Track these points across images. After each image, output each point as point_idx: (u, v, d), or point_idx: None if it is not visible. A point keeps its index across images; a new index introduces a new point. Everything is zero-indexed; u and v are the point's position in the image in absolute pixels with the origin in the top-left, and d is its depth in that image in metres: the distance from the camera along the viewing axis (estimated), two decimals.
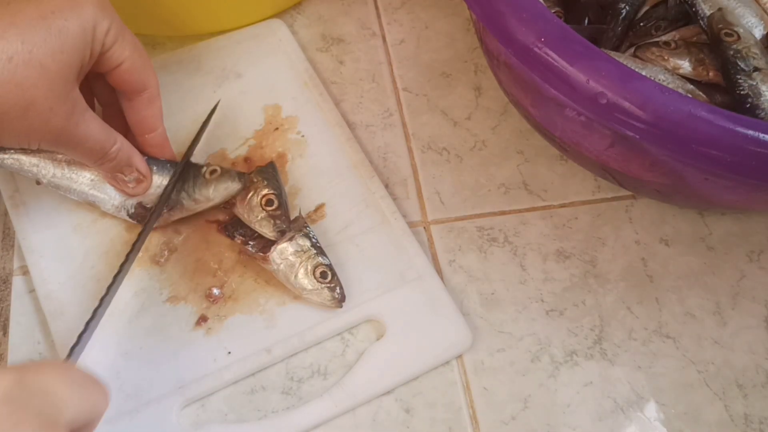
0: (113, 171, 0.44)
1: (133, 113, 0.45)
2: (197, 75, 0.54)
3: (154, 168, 0.46)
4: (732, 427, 0.43)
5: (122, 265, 0.43)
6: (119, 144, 0.43)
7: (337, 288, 0.44)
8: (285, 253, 0.44)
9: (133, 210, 0.46)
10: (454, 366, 0.44)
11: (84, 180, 0.45)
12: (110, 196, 0.46)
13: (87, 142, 0.41)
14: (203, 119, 0.51)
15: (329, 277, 0.44)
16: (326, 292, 0.44)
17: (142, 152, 0.46)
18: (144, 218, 0.46)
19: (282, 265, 0.44)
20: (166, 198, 0.45)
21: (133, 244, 0.43)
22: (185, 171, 0.46)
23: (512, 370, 0.44)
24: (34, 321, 0.45)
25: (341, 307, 0.44)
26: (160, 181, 0.46)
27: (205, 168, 0.46)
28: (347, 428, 0.42)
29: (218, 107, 0.52)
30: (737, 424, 0.43)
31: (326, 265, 0.44)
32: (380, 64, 0.56)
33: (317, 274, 0.44)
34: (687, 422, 0.43)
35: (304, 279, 0.43)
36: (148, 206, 0.46)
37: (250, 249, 0.45)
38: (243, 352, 0.43)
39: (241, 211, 0.46)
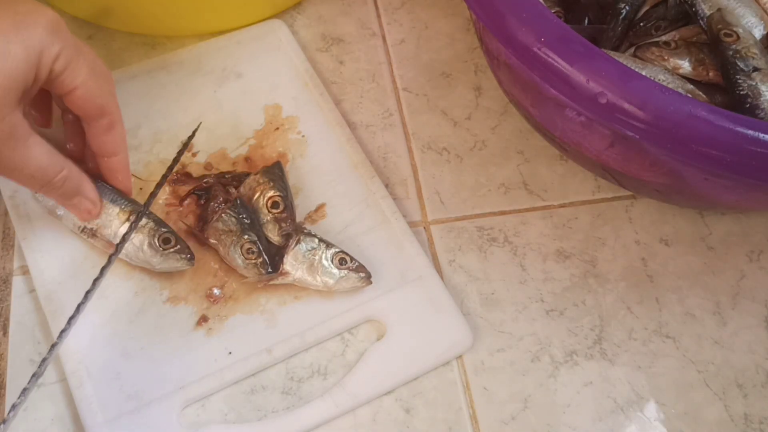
0: (61, 199, 0.42)
1: (91, 137, 0.43)
2: (197, 75, 0.54)
3: (109, 197, 0.45)
4: (732, 427, 0.43)
5: (87, 293, 0.42)
6: (66, 172, 0.41)
7: (360, 267, 0.44)
8: (298, 257, 0.44)
9: (86, 235, 0.45)
10: (454, 366, 0.44)
11: None
12: (70, 216, 0.45)
13: (26, 168, 0.39)
14: (203, 119, 0.51)
15: (349, 261, 0.44)
16: (352, 275, 0.44)
17: (101, 171, 0.45)
18: (89, 234, 0.45)
19: (299, 271, 0.44)
20: (123, 243, 0.44)
21: (102, 268, 0.42)
22: (147, 215, 0.45)
23: (512, 370, 0.44)
24: (34, 321, 0.45)
25: (371, 283, 0.44)
26: (112, 210, 0.44)
27: (159, 234, 0.44)
28: (347, 428, 0.42)
29: (218, 108, 0.52)
30: (737, 424, 0.43)
31: (340, 251, 0.44)
32: (380, 64, 0.56)
33: (337, 262, 0.44)
34: (687, 422, 0.43)
35: (326, 273, 0.44)
36: (97, 233, 0.45)
37: (264, 273, 0.44)
38: (244, 352, 0.43)
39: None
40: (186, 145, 0.48)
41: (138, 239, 0.44)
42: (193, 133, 0.49)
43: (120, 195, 0.45)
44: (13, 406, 0.38)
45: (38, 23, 0.37)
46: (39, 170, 0.39)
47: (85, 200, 0.43)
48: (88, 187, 0.43)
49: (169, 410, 0.41)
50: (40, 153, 0.39)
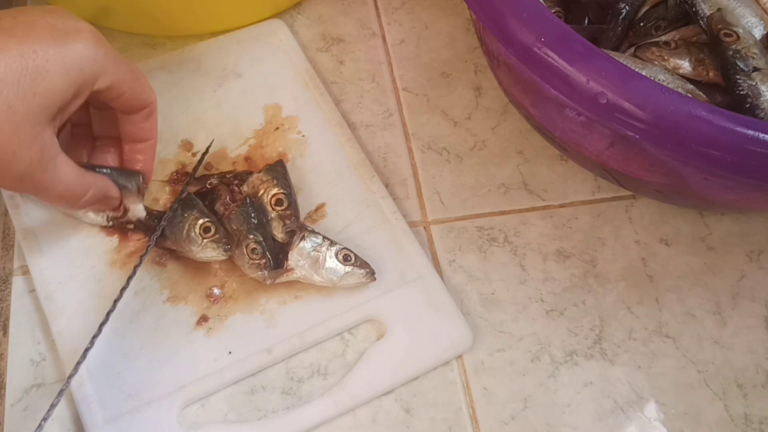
0: (84, 207, 0.43)
1: (128, 125, 0.44)
2: (197, 75, 0.54)
3: (122, 181, 0.45)
4: (732, 427, 0.43)
5: (123, 290, 0.43)
6: (93, 191, 0.41)
7: (364, 263, 0.44)
8: (304, 252, 0.44)
9: (111, 222, 0.46)
10: (454, 366, 0.44)
11: None
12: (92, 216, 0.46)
13: (55, 188, 0.39)
14: (203, 119, 0.51)
15: (353, 258, 0.44)
16: (357, 271, 0.44)
17: (126, 156, 0.45)
18: (121, 226, 0.46)
19: (304, 268, 0.44)
20: (157, 234, 0.45)
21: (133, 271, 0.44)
22: (184, 206, 0.46)
23: (512, 370, 0.44)
24: (34, 321, 0.45)
25: (375, 279, 0.44)
26: (140, 205, 0.46)
27: (201, 223, 0.45)
28: (347, 428, 0.42)
29: (218, 108, 0.52)
30: (737, 424, 0.43)
31: (344, 248, 0.44)
32: (380, 64, 0.56)
33: (341, 258, 0.44)
34: (687, 422, 0.43)
35: (331, 269, 0.44)
36: (124, 220, 0.46)
37: (264, 273, 0.44)
38: (243, 352, 0.43)
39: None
40: (204, 156, 0.49)
41: (183, 228, 0.45)
42: (207, 149, 0.50)
43: (122, 173, 0.45)
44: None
45: (77, 42, 0.37)
46: (67, 190, 0.39)
47: (110, 200, 0.44)
48: (110, 186, 0.43)
49: (169, 410, 0.41)
50: (66, 173, 0.39)
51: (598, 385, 0.44)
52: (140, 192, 0.45)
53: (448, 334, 0.44)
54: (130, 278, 0.44)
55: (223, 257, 0.45)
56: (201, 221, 0.45)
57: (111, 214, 0.45)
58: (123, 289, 0.43)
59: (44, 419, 0.39)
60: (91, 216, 0.45)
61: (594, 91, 0.36)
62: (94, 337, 0.41)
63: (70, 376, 0.40)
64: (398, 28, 0.58)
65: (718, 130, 0.34)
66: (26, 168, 0.36)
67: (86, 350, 0.41)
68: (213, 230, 0.44)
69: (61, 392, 0.40)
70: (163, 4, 0.53)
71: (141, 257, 0.44)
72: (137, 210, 0.45)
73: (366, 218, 0.48)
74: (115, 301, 0.43)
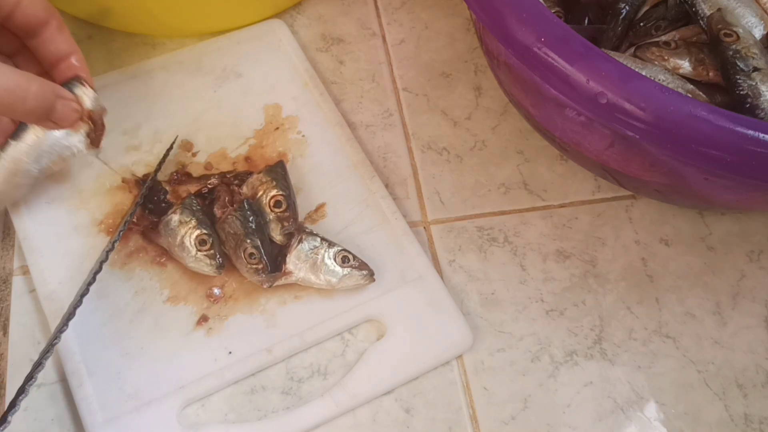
0: (47, 114, 0.41)
1: (46, 45, 0.44)
2: (197, 75, 0.54)
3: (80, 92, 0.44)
4: (732, 427, 0.43)
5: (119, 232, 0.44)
6: (39, 81, 0.40)
7: (363, 265, 0.44)
8: (300, 256, 0.44)
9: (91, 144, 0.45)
10: (454, 366, 0.44)
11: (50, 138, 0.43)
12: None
13: (1, 85, 0.38)
14: (203, 119, 0.51)
15: (351, 259, 0.44)
16: (355, 273, 0.44)
17: (61, 80, 0.44)
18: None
19: (302, 270, 0.44)
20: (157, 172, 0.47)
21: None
22: (183, 210, 0.45)
23: (512, 370, 0.44)
24: (34, 321, 0.45)
25: (374, 280, 0.44)
26: (92, 94, 0.44)
27: (196, 235, 0.44)
28: (347, 428, 0.42)
29: (218, 108, 0.52)
30: (737, 424, 0.43)
31: (343, 249, 0.44)
32: (380, 64, 0.56)
33: (339, 260, 0.44)
34: (687, 422, 0.43)
35: (329, 272, 0.44)
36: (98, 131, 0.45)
37: (262, 276, 0.44)
38: (244, 352, 0.43)
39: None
40: (165, 157, 0.49)
41: (178, 234, 0.44)
42: (171, 146, 0.50)
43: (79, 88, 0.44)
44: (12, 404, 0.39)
45: None
46: (13, 82, 0.39)
47: (66, 101, 0.43)
48: (59, 87, 0.42)
49: (169, 410, 0.41)
50: (6, 69, 0.39)
51: (598, 385, 0.44)
52: (89, 86, 0.44)
53: (448, 334, 0.44)
54: (120, 232, 0.45)
55: (215, 274, 0.44)
56: (197, 232, 0.44)
57: (85, 129, 0.44)
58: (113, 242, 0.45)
59: (34, 370, 0.39)
60: (75, 141, 0.44)
61: (594, 91, 0.36)
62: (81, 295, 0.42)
63: (60, 330, 0.41)
64: (398, 28, 0.58)
65: (718, 130, 0.34)
66: None
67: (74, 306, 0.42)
68: (209, 244, 0.44)
69: (50, 346, 0.40)
70: (163, 4, 0.53)
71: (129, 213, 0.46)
72: (100, 109, 0.45)
73: (366, 218, 0.48)
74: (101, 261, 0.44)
